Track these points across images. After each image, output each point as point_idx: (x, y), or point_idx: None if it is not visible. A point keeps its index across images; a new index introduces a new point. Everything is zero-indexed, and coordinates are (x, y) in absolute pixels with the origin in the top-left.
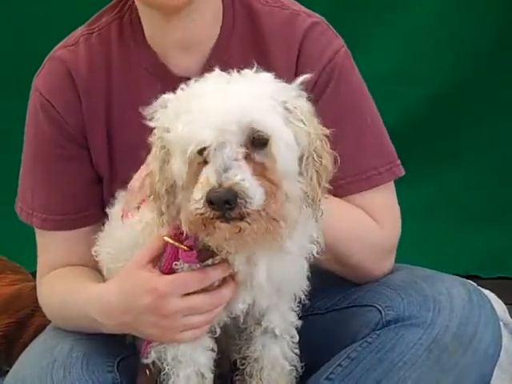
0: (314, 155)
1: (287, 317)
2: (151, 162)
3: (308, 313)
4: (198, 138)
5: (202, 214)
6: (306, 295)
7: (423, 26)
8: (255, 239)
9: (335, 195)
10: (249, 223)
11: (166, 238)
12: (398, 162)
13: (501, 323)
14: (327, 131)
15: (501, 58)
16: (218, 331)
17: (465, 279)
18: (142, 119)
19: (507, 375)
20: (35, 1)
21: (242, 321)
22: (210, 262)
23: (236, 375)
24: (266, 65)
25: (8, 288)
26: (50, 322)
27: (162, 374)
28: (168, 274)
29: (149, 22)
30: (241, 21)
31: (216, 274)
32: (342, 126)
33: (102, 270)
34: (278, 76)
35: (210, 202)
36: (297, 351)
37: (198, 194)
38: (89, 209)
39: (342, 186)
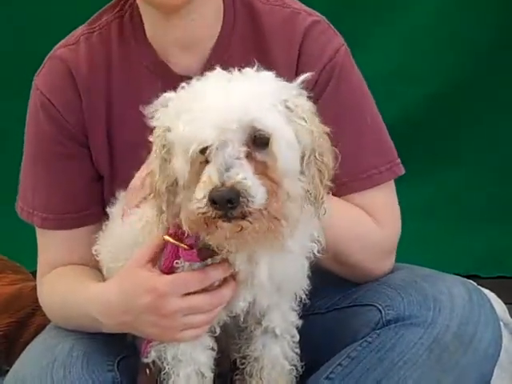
0: (316, 153)
1: (288, 316)
2: (151, 161)
3: (308, 312)
4: (200, 137)
5: (204, 213)
6: (306, 294)
7: (423, 25)
8: (256, 238)
9: (335, 194)
10: (250, 222)
11: (167, 237)
12: (398, 160)
13: (501, 323)
14: (328, 129)
15: (501, 57)
16: (218, 330)
17: (465, 279)
18: (142, 118)
19: (507, 374)
20: (35, 1)
21: (242, 320)
22: (209, 261)
23: (236, 374)
24: (267, 63)
25: (8, 288)
26: (50, 321)
27: (162, 373)
28: (168, 272)
29: (149, 20)
30: (241, 19)
31: (216, 274)
32: (342, 125)
33: (102, 270)
34: (279, 75)
35: (213, 201)
36: (297, 351)
37: (200, 193)
38: (89, 208)
39: (343, 184)
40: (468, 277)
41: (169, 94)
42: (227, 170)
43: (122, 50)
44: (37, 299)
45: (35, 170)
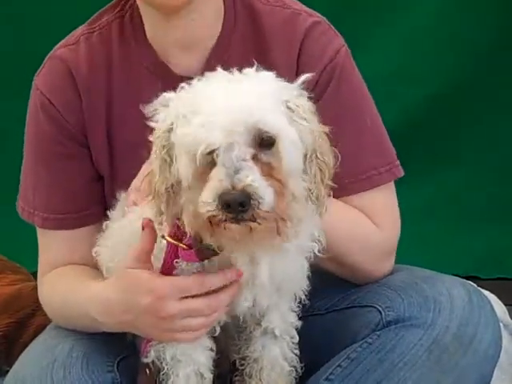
0: (318, 153)
1: (287, 317)
2: (152, 161)
3: (308, 313)
4: (207, 139)
5: (213, 216)
6: (306, 295)
7: (423, 26)
8: (263, 239)
9: (335, 196)
10: (259, 223)
11: (165, 237)
12: (398, 162)
13: (501, 324)
14: (327, 129)
15: (501, 58)
16: (218, 331)
17: (465, 280)
18: (142, 118)
19: (507, 376)
20: (35, 1)
21: (241, 321)
22: (206, 262)
23: (235, 375)
24: (267, 64)
25: (8, 288)
26: (50, 321)
27: (162, 373)
28: (168, 272)
29: (150, 21)
30: (242, 20)
31: (216, 281)
32: (342, 126)
33: (102, 269)
34: (279, 75)
35: (225, 204)
36: (296, 352)
37: (209, 195)
38: (90, 208)
39: (342, 186)
40: (468, 278)
41: (168, 94)
42: (236, 172)
43: (122, 50)
44: (36, 300)
45: (35, 170)
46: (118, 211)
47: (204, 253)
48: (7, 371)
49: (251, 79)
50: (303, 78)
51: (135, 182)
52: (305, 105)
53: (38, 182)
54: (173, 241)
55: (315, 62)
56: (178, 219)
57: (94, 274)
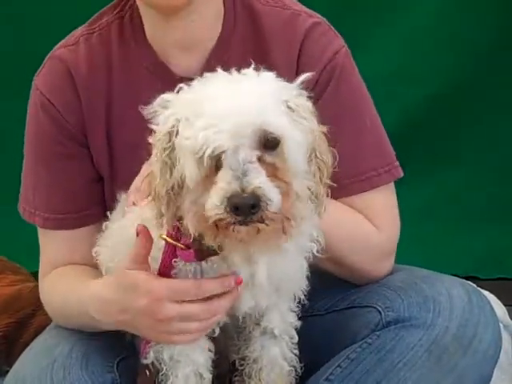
0: (317, 152)
1: (286, 317)
2: (152, 163)
3: (308, 313)
4: (214, 142)
5: (221, 220)
6: (305, 295)
7: (423, 26)
8: (269, 239)
9: (334, 196)
10: (267, 224)
11: (164, 237)
12: (397, 163)
13: (500, 325)
14: (325, 129)
15: (501, 58)
16: (217, 331)
17: (464, 280)
18: (142, 119)
19: (507, 376)
20: (35, 1)
21: (241, 321)
22: (204, 263)
23: (235, 376)
24: (267, 65)
25: (8, 288)
26: (50, 322)
27: (161, 374)
28: (166, 271)
29: (149, 21)
30: (242, 21)
31: (214, 287)
32: (341, 126)
33: (102, 270)
34: (279, 76)
35: (235, 207)
36: (296, 352)
37: (217, 199)
38: (90, 208)
39: (341, 186)
40: (467, 278)
41: (167, 96)
42: (244, 175)
43: (121, 50)
44: (36, 300)
45: (35, 170)
46: (118, 212)
47: (203, 253)
48: (7, 371)
49: (252, 80)
50: (303, 77)
51: (135, 183)
52: (304, 104)
53: (38, 182)
54: (171, 241)
55: (315, 62)
56: (178, 220)
57: (95, 273)
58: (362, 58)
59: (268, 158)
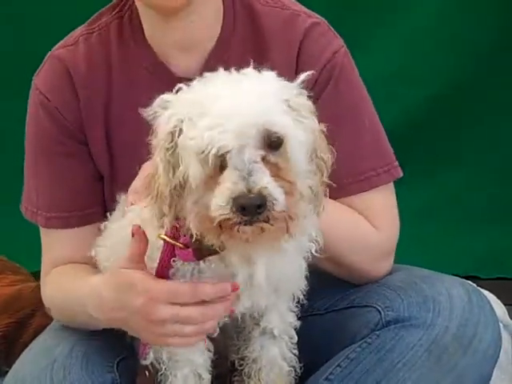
0: (318, 151)
1: (286, 317)
2: (154, 163)
3: (307, 313)
4: (219, 142)
5: (227, 220)
6: (304, 295)
7: (424, 26)
8: (273, 238)
9: (333, 196)
10: (272, 224)
11: (162, 236)
12: (396, 163)
13: (500, 324)
14: (324, 127)
15: (501, 58)
16: (217, 332)
17: (464, 280)
18: (141, 119)
19: (507, 376)
20: (35, 1)
21: (240, 321)
22: (202, 262)
23: (234, 376)
24: (266, 65)
25: (8, 288)
26: (50, 322)
27: (159, 374)
28: (164, 270)
29: (148, 22)
30: (241, 21)
31: (209, 292)
32: (340, 126)
33: (101, 270)
34: (279, 76)
35: (242, 207)
36: (295, 352)
37: (223, 199)
38: (92, 206)
39: (341, 186)
40: (467, 278)
41: (167, 96)
42: (249, 175)
43: (121, 51)
44: (36, 300)
45: (37, 169)
46: (117, 213)
47: (202, 252)
48: (7, 371)
49: (253, 79)
50: (303, 76)
51: (134, 184)
52: (305, 104)
53: (39, 182)
54: (170, 240)
55: (314, 62)
56: (177, 220)
57: (94, 272)
58: (362, 59)
59: (271, 157)
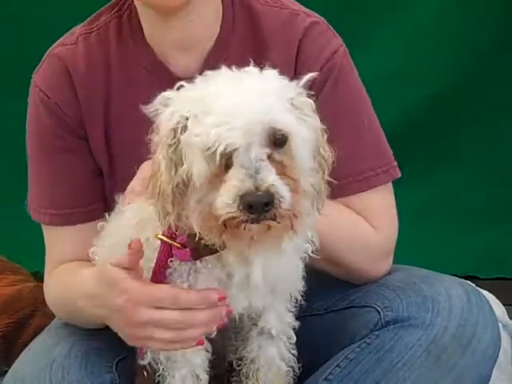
0: (321, 149)
1: (284, 317)
2: (156, 161)
3: (306, 314)
4: (226, 139)
5: (233, 218)
6: (302, 296)
7: (423, 26)
8: (278, 236)
9: (332, 196)
10: (278, 222)
11: (160, 236)
12: (395, 163)
13: (500, 324)
14: (324, 126)
15: (501, 58)
16: (215, 332)
17: (463, 280)
18: (140, 118)
19: (506, 376)
20: (35, 1)
21: (238, 321)
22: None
23: (232, 376)
24: (266, 64)
25: (8, 288)
26: (49, 322)
27: (157, 374)
28: (161, 271)
29: (147, 21)
30: (240, 21)
31: (192, 300)
32: (339, 126)
33: None
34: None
35: (250, 205)
36: (294, 352)
37: (229, 197)
38: (96, 202)
39: (339, 186)
40: (466, 278)
41: (168, 93)
42: (256, 172)
43: (120, 50)
44: (36, 300)
45: (38, 167)
46: (116, 213)
47: (199, 252)
48: (6, 371)
49: (256, 77)
50: (308, 76)
51: (132, 184)
52: (307, 102)
53: (41, 179)
54: (167, 240)
55: (313, 61)
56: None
57: None
58: (361, 58)
59: (276, 155)
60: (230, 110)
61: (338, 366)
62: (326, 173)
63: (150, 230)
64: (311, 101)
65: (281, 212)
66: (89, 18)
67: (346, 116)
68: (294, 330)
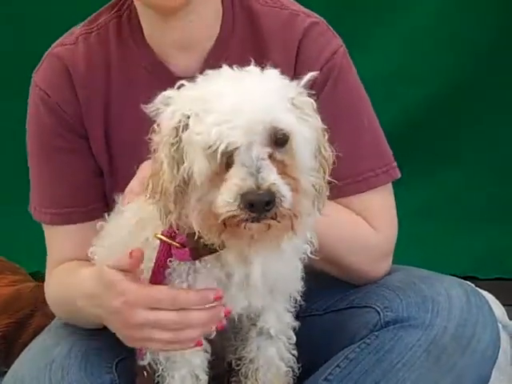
0: (322, 149)
1: (283, 317)
2: (158, 160)
3: (306, 314)
4: (228, 138)
5: (234, 216)
6: (302, 296)
7: (423, 25)
8: (278, 236)
9: (331, 197)
10: (279, 221)
11: (159, 236)
12: (395, 164)
13: (499, 325)
14: (325, 126)
15: (501, 57)
16: (214, 333)
17: (463, 280)
18: (140, 118)
19: (505, 377)
20: (35, 1)
21: (237, 321)
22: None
23: (232, 376)
24: (265, 65)
25: (7, 289)
26: (49, 322)
27: (156, 375)
28: (160, 271)
29: (147, 21)
30: (240, 21)
31: (191, 300)
32: (338, 126)
33: None
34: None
35: (251, 204)
36: (294, 352)
37: (231, 195)
38: (96, 202)
39: (339, 187)
40: (466, 278)
41: (168, 92)
42: (258, 171)
43: (120, 50)
44: (35, 300)
45: (39, 167)
46: (115, 213)
47: (198, 251)
48: (6, 371)
49: (257, 77)
50: (309, 76)
51: (132, 184)
52: (308, 102)
53: (41, 179)
54: (166, 239)
55: (313, 62)
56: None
57: None
58: (361, 58)
59: (277, 155)
60: (232, 108)
61: (337, 366)
62: (327, 172)
63: (150, 229)
64: (312, 100)
65: (281, 211)
66: (88, 18)
67: (345, 116)
68: (293, 330)
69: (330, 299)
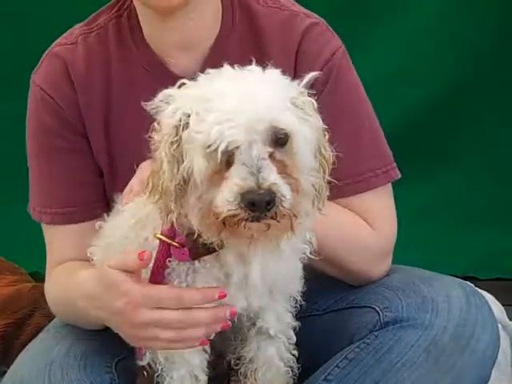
0: (322, 149)
1: (283, 317)
2: (158, 159)
3: (306, 314)
4: (228, 137)
5: (234, 216)
6: (302, 296)
7: (424, 26)
8: (278, 236)
9: (331, 197)
10: (279, 221)
11: (158, 236)
12: (395, 164)
13: (499, 325)
14: (325, 126)
15: (501, 58)
16: (213, 334)
17: (462, 280)
18: (140, 118)
19: (505, 376)
20: (35, 1)
21: (236, 321)
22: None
23: (232, 376)
24: (265, 65)
25: (6, 289)
26: (48, 322)
27: (156, 375)
28: (159, 271)
29: (147, 21)
30: (240, 21)
31: (195, 298)
32: (338, 127)
33: None
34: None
35: (251, 203)
36: (295, 352)
37: (230, 194)
38: (95, 202)
39: (339, 187)
40: (466, 278)
41: (169, 91)
42: (258, 171)
43: (119, 50)
44: (34, 300)
45: (39, 166)
46: (115, 213)
47: (197, 251)
48: (5, 372)
49: (258, 76)
50: (310, 76)
51: (131, 183)
52: (309, 102)
53: (41, 178)
54: (166, 239)
55: (312, 62)
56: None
57: None
58: (362, 59)
59: (278, 154)
60: (232, 107)
61: (337, 366)
62: (327, 173)
63: (149, 229)
64: (313, 100)
65: (282, 211)
66: (88, 18)
67: (345, 117)
68: (294, 330)
69: (330, 299)
